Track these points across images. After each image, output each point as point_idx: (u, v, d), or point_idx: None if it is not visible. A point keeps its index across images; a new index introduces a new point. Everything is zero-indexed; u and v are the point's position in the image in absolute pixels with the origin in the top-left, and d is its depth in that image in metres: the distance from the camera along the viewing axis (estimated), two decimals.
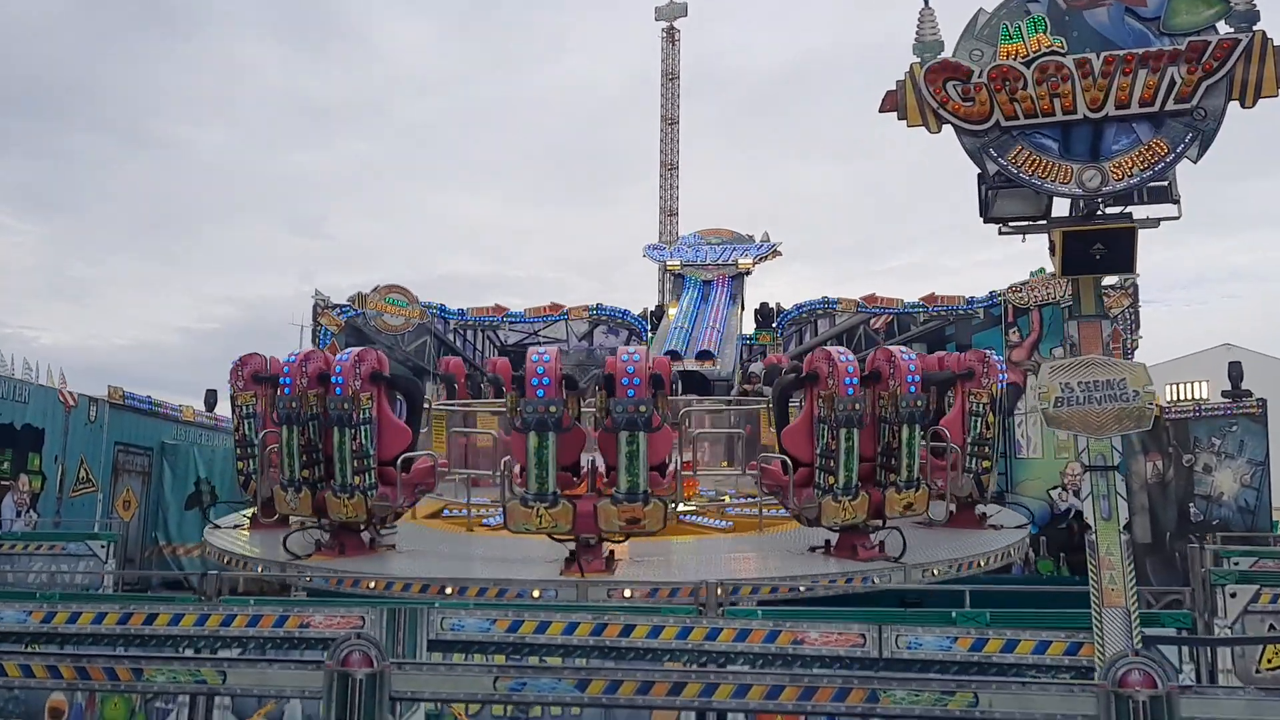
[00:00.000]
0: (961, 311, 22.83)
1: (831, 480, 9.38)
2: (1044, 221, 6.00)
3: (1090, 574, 5.64)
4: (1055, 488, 20.37)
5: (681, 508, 13.14)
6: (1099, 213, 5.82)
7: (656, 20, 41.17)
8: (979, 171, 6.03)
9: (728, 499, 12.96)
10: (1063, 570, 19.91)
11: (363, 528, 10.11)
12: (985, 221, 6.12)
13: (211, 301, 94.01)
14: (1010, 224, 6.09)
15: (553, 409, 8.77)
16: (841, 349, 9.78)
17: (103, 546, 13.96)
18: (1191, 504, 19.53)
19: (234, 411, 11.86)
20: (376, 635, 6.10)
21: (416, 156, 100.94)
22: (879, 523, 9.76)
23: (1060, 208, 6.02)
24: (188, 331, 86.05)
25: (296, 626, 6.20)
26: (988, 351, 11.15)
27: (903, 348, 10.05)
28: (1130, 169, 5.66)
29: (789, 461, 9.70)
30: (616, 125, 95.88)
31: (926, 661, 5.80)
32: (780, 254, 24.68)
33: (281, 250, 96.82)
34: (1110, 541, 5.58)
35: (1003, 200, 6.01)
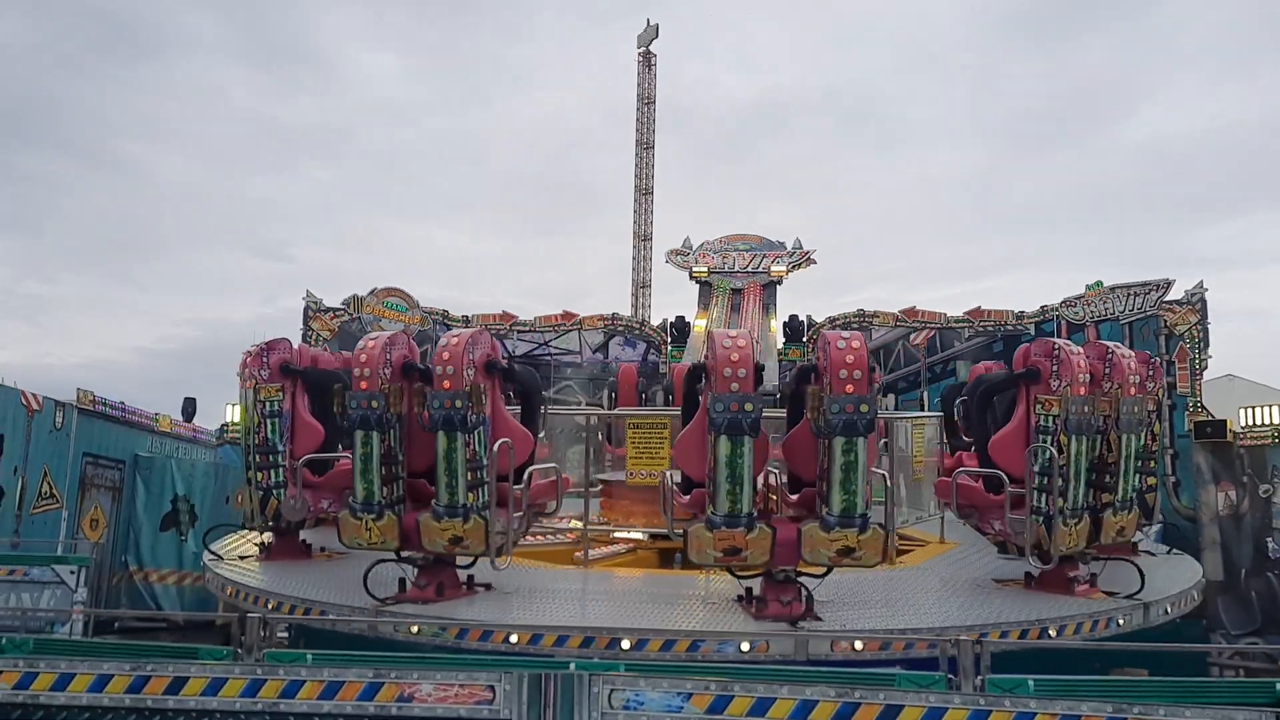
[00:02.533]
0: (1010, 327, 21.21)
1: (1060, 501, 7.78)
2: None
3: None
4: None
5: None
6: None
7: (637, 47, 40.72)
8: None
9: None
10: None
11: (471, 561, 8.04)
12: None
13: (171, 323, 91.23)
14: None
15: (749, 406, 6.86)
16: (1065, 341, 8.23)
17: (72, 572, 11.89)
18: (1270, 539, 17.96)
19: (254, 409, 9.80)
20: (513, 712, 4.19)
21: (383, 185, 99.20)
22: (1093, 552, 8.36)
23: None
24: (146, 351, 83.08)
25: (394, 699, 4.26)
26: (1151, 356, 9.50)
27: (1122, 346, 8.45)
28: None
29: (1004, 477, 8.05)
30: (585, 156, 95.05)
31: None
32: (815, 261, 22.93)
33: (244, 274, 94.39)
34: None
35: None
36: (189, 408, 19.99)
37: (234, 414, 20.23)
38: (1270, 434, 18.19)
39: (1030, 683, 4.62)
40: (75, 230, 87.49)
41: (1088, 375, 7.86)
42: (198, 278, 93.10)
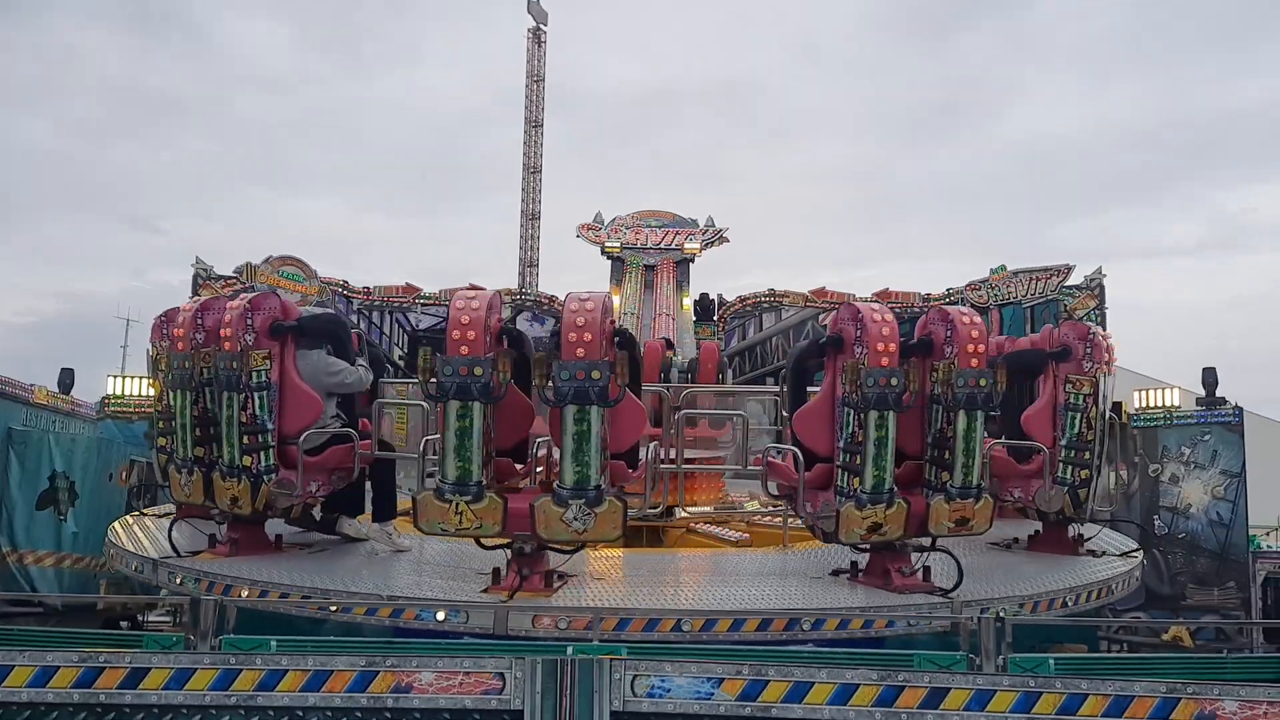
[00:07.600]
0: (916, 309, 21.45)
1: (855, 481, 7.13)
2: None
3: None
4: None
5: (686, 513, 11.05)
6: None
7: (528, 11, 39.92)
8: None
9: (755, 504, 10.90)
10: None
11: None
12: None
13: (30, 295, 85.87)
14: None
15: (478, 370, 6.55)
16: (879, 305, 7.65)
17: None
18: (1156, 516, 18.63)
19: (156, 376, 9.62)
20: (525, 701, 3.81)
21: (261, 158, 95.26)
22: (922, 541, 7.49)
23: None
24: (2, 324, 78.21)
25: (389, 690, 3.83)
26: (1092, 326, 9.25)
27: (963, 308, 7.95)
28: None
29: (799, 455, 7.47)
30: (473, 135, 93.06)
31: None
32: (728, 240, 22.75)
33: (111, 246, 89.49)
34: None
35: None
36: (67, 379, 18.63)
37: (116, 386, 19.03)
38: (1163, 416, 18.87)
39: (1051, 662, 4.47)
40: None
41: (896, 342, 7.11)
42: (59, 249, 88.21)
